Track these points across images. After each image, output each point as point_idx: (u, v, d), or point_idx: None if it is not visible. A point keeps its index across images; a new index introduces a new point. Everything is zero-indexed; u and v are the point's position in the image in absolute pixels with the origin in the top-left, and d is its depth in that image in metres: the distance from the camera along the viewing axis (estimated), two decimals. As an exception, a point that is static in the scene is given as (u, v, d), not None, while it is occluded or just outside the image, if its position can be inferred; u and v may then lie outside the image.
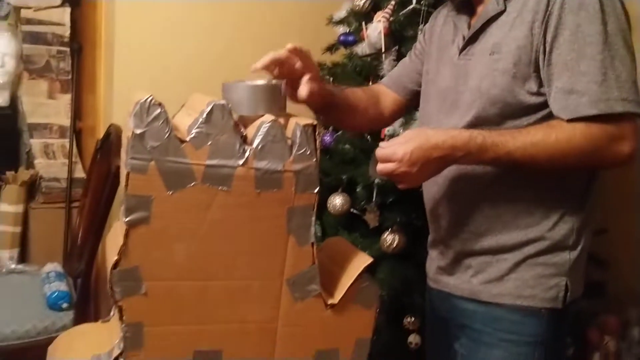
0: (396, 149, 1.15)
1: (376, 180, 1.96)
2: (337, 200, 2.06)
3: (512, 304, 1.25)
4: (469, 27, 1.29)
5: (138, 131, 0.99)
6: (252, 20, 2.52)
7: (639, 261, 2.42)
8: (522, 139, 1.13)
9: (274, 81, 1.17)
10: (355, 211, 2.07)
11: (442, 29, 1.39)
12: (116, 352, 1.07)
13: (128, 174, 1.00)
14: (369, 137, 2.09)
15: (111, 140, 2.00)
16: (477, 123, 1.22)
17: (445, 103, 1.32)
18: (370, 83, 2.01)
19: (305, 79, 1.27)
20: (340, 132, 2.15)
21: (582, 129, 1.11)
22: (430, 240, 1.46)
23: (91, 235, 1.98)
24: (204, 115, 1.02)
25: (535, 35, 1.15)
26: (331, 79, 2.20)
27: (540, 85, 1.17)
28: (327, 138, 2.16)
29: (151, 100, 1.00)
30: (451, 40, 1.33)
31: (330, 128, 2.19)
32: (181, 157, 1.02)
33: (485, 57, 1.22)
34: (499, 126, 1.20)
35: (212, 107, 1.03)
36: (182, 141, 1.02)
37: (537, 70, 1.16)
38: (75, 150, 2.78)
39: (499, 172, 1.21)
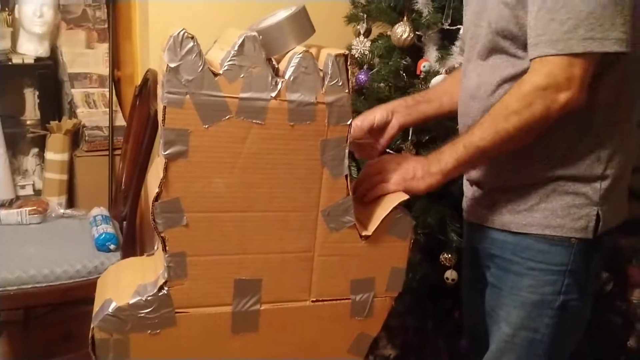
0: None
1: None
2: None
3: (540, 234, 1.25)
4: None
5: (172, 65, 1.01)
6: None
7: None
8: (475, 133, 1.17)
9: (293, 7, 1.15)
10: (390, 152, 2.07)
11: None
12: (161, 281, 1.11)
13: (165, 108, 1.02)
14: (404, 74, 2.06)
15: (149, 86, 2.03)
16: (494, 55, 1.23)
17: (470, 35, 1.32)
18: (405, 18, 1.98)
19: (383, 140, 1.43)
20: (375, 70, 2.13)
21: (523, 87, 1.12)
22: (464, 176, 1.46)
23: (134, 179, 2.03)
24: (236, 48, 1.03)
25: None
26: (365, 15, 2.17)
27: None
28: (362, 76, 2.14)
29: (184, 34, 1.01)
30: None
31: (365, 66, 2.17)
32: (215, 91, 1.03)
33: None
34: (518, 59, 1.19)
35: (244, 39, 1.03)
36: (216, 74, 1.03)
37: None
38: (115, 99, 2.83)
39: None
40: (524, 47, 1.17)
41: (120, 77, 2.89)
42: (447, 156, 1.20)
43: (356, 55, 2.22)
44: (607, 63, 1.14)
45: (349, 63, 1.11)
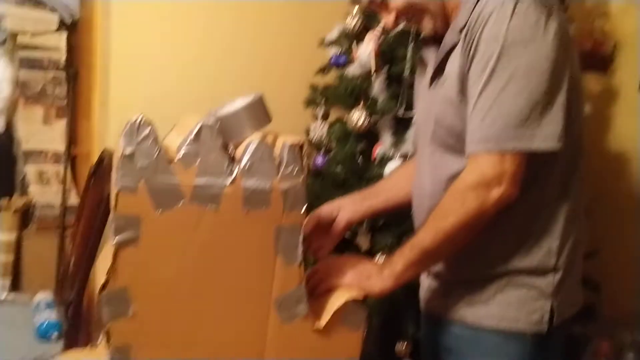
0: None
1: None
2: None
3: (495, 327, 1.24)
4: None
5: (128, 151, 1.00)
6: (245, 43, 2.55)
7: (632, 283, 2.42)
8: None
9: (251, 96, 1.18)
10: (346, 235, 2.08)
11: (422, 59, 1.41)
12: (103, 376, 1.06)
13: (117, 194, 1.01)
14: (360, 158, 2.11)
15: (104, 166, 2.00)
16: (443, 152, 1.26)
17: (421, 131, 1.36)
18: (361, 104, 2.03)
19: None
20: (331, 154, 2.17)
21: (457, 185, 1.16)
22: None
23: (83, 262, 1.97)
24: (193, 135, 1.04)
25: (463, 65, 1.17)
26: (324, 99, 2.23)
27: None
28: (319, 160, 2.18)
29: (141, 120, 1.01)
30: (425, 72, 1.35)
31: (322, 149, 2.21)
32: (170, 176, 1.03)
33: (443, 85, 1.24)
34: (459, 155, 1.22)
35: (201, 126, 1.04)
36: (172, 160, 1.03)
37: None
38: (69, 176, 2.79)
39: None
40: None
41: (76, 155, 2.86)
42: (397, 258, 1.20)
43: (313, 139, 2.26)
44: (546, 159, 1.17)
45: (304, 151, 1.12)
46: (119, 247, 1.02)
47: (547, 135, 1.12)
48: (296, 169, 1.11)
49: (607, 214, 2.45)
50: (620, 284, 2.42)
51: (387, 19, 1.27)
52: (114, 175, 1.06)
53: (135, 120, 1.00)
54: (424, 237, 1.18)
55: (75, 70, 2.65)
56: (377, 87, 2.00)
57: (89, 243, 1.98)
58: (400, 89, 1.99)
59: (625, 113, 2.43)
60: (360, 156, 2.10)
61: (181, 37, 2.42)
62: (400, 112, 1.99)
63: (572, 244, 1.26)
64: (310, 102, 2.28)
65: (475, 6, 1.16)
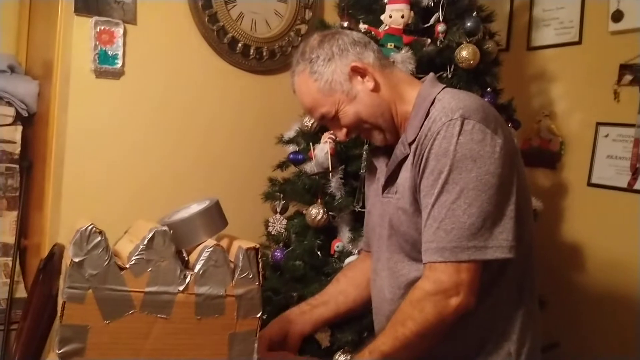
0: None
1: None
2: (287, 319, 2.02)
3: None
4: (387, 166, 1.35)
5: (77, 259, 0.98)
6: (203, 141, 2.58)
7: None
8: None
9: (207, 202, 1.18)
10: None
11: (372, 167, 1.45)
12: None
13: (64, 304, 0.98)
14: (319, 253, 2.10)
15: (54, 261, 1.95)
16: (400, 258, 1.29)
17: (377, 236, 1.38)
18: (319, 200, 2.05)
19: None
20: (290, 248, 2.15)
21: (416, 293, 1.18)
22: None
23: (28, 361, 1.87)
24: (145, 242, 1.02)
25: (414, 177, 1.22)
26: (282, 195, 2.24)
27: None
28: (278, 254, 2.16)
29: (92, 229, 0.99)
30: (377, 178, 1.40)
31: (281, 244, 2.20)
32: (120, 285, 1.01)
33: (395, 195, 1.29)
34: (420, 263, 1.24)
35: (154, 233, 1.03)
36: (122, 268, 1.01)
37: None
38: (18, 269, 2.68)
39: None
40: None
41: (26, 247, 2.77)
42: None
43: (272, 232, 2.25)
44: (500, 265, 1.21)
45: (259, 255, 1.12)
46: (63, 359, 0.98)
47: (499, 245, 1.16)
48: (251, 274, 1.10)
49: (565, 307, 2.48)
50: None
51: (339, 134, 1.33)
52: (61, 283, 1.03)
53: (86, 229, 0.99)
54: (384, 342, 1.19)
55: (29, 162, 2.61)
56: (334, 184, 2.02)
57: (34, 342, 1.89)
58: (357, 185, 2.02)
59: (576, 207, 2.51)
60: (319, 251, 2.09)
61: (138, 136, 2.43)
62: (357, 208, 2.01)
63: (531, 342, 1.28)
64: (269, 196, 2.29)
65: (424, 121, 1.22)
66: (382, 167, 1.37)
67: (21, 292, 2.66)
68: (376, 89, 1.28)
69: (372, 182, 1.45)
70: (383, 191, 1.34)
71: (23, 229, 2.75)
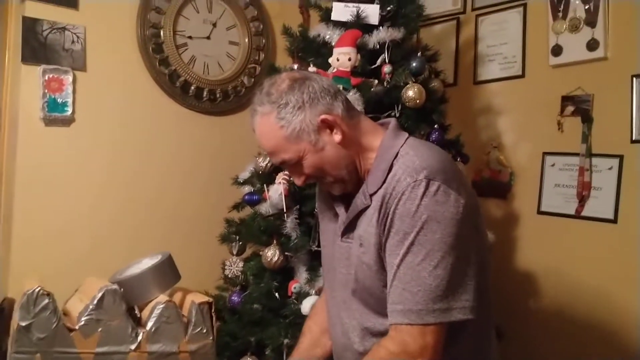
0: None
1: (285, 341, 1.95)
2: (247, 365, 2.01)
3: None
4: (346, 210, 1.33)
5: (24, 323, 0.97)
6: (159, 185, 2.56)
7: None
8: None
9: (159, 256, 1.17)
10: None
11: (327, 202, 1.42)
12: None
13: (10, 371, 0.95)
14: (277, 294, 2.09)
15: (5, 316, 1.89)
16: (366, 310, 1.29)
17: (335, 277, 1.37)
18: (275, 241, 2.05)
19: None
20: (248, 292, 2.14)
21: (380, 352, 1.18)
22: None
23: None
24: (95, 302, 1.01)
25: (380, 235, 1.22)
26: (237, 237, 2.23)
27: None
28: (235, 298, 2.15)
29: (39, 291, 0.98)
30: (335, 219, 1.38)
31: (238, 287, 2.18)
32: (69, 347, 0.99)
33: (357, 245, 1.28)
34: (380, 316, 1.25)
35: (104, 292, 1.02)
36: (71, 330, 1.00)
37: None
38: (-32, 323, 2.59)
39: None
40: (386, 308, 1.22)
41: (-24, 300, 2.68)
42: None
43: (229, 275, 2.24)
44: (460, 324, 1.20)
45: (212, 310, 1.11)
46: None
47: (462, 307, 1.17)
48: (205, 328, 1.10)
49: (522, 335, 2.52)
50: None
51: (296, 180, 1.32)
52: (9, 347, 1.01)
53: (33, 291, 0.97)
54: None
55: (-22, 213, 2.55)
56: (289, 224, 2.03)
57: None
58: (313, 224, 2.03)
59: (527, 235, 2.56)
60: (277, 292, 2.08)
61: (88, 185, 2.40)
62: (314, 247, 2.02)
63: None
64: (226, 238, 2.28)
65: (387, 176, 1.22)
66: (340, 209, 1.35)
67: (-29, 348, 2.55)
68: (343, 142, 1.25)
69: (326, 218, 1.43)
70: (342, 236, 1.33)
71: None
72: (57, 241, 2.31)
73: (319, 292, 1.96)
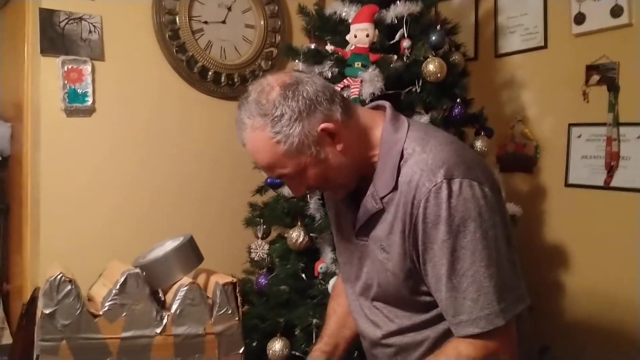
0: None
1: (314, 321, 1.94)
2: (276, 346, 2.02)
3: None
4: (357, 210, 1.25)
5: (47, 310, 0.97)
6: (183, 172, 2.57)
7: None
8: None
9: (180, 238, 1.17)
10: (297, 353, 2.03)
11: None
12: None
13: (37, 358, 0.96)
14: (303, 275, 2.09)
15: (37, 305, 1.92)
16: (387, 306, 1.26)
17: (351, 272, 1.33)
18: (299, 222, 2.05)
19: None
20: (274, 273, 2.14)
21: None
22: None
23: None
24: (118, 286, 1.01)
25: (408, 246, 1.15)
26: (262, 220, 2.23)
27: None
28: (262, 280, 2.15)
29: (61, 278, 0.98)
30: (345, 216, 1.31)
31: (264, 270, 2.19)
32: (95, 333, 0.99)
33: (377, 248, 1.22)
34: (415, 313, 1.22)
35: (126, 277, 1.02)
36: (96, 315, 1.00)
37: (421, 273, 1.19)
38: (2, 315, 2.64)
39: (427, 347, 1.22)
40: (418, 308, 1.20)
41: (9, 291, 2.73)
42: None
43: (255, 258, 2.24)
44: None
45: (237, 290, 1.11)
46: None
47: (521, 296, 1.14)
48: (230, 309, 1.09)
49: (552, 309, 2.48)
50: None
51: (295, 191, 1.23)
52: (35, 335, 1.02)
53: (55, 278, 0.97)
54: None
55: (6, 205, 2.59)
56: (313, 205, 2.02)
57: (22, 389, 1.86)
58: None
59: (554, 208, 2.52)
60: (303, 274, 2.08)
61: (111, 173, 2.41)
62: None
63: (531, 354, 1.32)
64: (250, 222, 2.28)
65: (397, 179, 1.15)
66: (347, 208, 1.29)
67: (7, 339, 2.62)
68: (345, 149, 1.16)
69: (335, 211, 1.37)
70: (357, 234, 1.27)
71: (4, 273, 2.72)
72: (83, 228, 2.33)
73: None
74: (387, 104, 1.26)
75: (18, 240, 2.53)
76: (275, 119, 1.11)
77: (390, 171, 1.16)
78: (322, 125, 1.13)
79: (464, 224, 1.09)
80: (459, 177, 1.10)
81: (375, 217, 1.20)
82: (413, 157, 1.15)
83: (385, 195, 1.17)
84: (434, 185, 1.09)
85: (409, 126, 1.20)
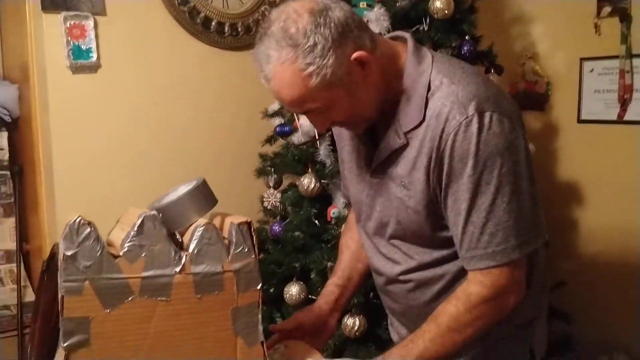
0: None
1: (329, 264, 1.97)
2: (293, 290, 2.05)
3: None
4: (375, 148, 1.22)
5: (69, 253, 0.99)
6: (188, 123, 2.56)
7: (601, 309, 2.44)
8: (420, 342, 1.14)
9: (194, 182, 1.17)
10: (313, 297, 2.06)
11: (350, 132, 1.30)
12: None
13: (62, 298, 0.98)
14: (317, 221, 2.11)
15: (56, 261, 1.95)
16: (405, 244, 1.25)
17: (365, 213, 1.30)
18: (310, 169, 2.05)
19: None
20: (288, 220, 2.16)
21: (473, 300, 1.13)
22: (390, 322, 1.46)
23: (43, 362, 1.89)
24: (136, 228, 1.02)
25: (432, 181, 1.13)
26: (273, 169, 2.24)
27: None
28: (276, 227, 2.18)
29: (80, 221, 0.99)
30: (358, 151, 1.28)
31: (278, 218, 2.20)
32: (116, 273, 1.01)
33: (396, 185, 1.19)
34: (433, 249, 1.22)
35: (143, 219, 1.03)
36: (116, 256, 1.01)
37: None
38: (24, 273, 2.70)
39: (447, 280, 1.23)
40: (439, 244, 1.20)
41: (29, 251, 2.78)
42: None
43: (268, 207, 2.26)
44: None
45: (252, 229, 1.12)
46: (69, 352, 0.99)
47: (539, 233, 1.15)
48: (246, 248, 1.10)
49: (567, 245, 2.49)
50: (588, 313, 2.44)
51: (319, 127, 1.20)
52: (59, 279, 1.04)
53: (75, 221, 0.98)
54: (436, 349, 1.14)
55: (19, 167, 2.60)
56: (323, 152, 2.02)
57: (46, 341, 1.91)
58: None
59: (568, 145, 2.51)
60: (316, 219, 2.10)
61: (120, 127, 2.40)
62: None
63: (544, 289, 1.32)
64: (261, 172, 2.29)
65: (425, 113, 1.12)
66: (363, 143, 1.25)
67: (30, 296, 2.67)
68: (374, 80, 1.12)
69: (347, 149, 1.33)
70: (372, 172, 1.24)
71: (23, 233, 2.75)
72: (97, 183, 2.34)
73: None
74: (407, 34, 1.21)
75: (34, 201, 2.56)
76: (307, 50, 1.03)
77: (417, 104, 1.13)
78: (355, 54, 1.07)
79: (491, 159, 1.08)
80: (489, 110, 1.08)
81: (396, 153, 1.17)
82: (441, 89, 1.11)
83: (410, 130, 1.14)
84: (465, 119, 1.07)
85: (433, 57, 1.16)
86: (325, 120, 1.16)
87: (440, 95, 1.11)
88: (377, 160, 1.21)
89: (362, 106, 1.14)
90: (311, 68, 1.04)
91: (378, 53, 1.12)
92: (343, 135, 1.34)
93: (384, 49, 1.15)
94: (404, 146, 1.16)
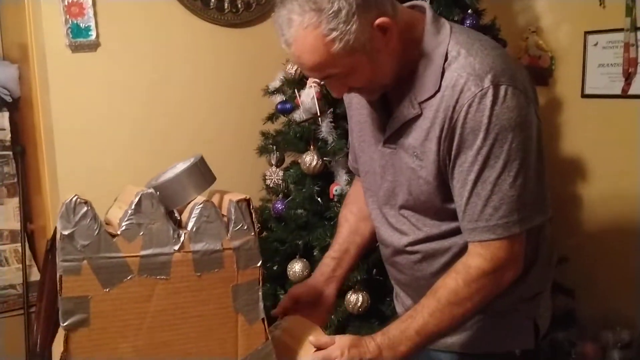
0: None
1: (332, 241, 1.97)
2: (296, 267, 2.05)
3: (484, 352, 1.26)
4: (387, 118, 1.22)
5: (66, 232, 0.98)
6: (193, 105, 2.55)
7: (604, 284, 2.45)
8: (424, 314, 1.14)
9: (191, 159, 1.16)
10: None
11: (360, 101, 1.30)
12: None
13: (61, 277, 0.98)
14: (319, 199, 2.10)
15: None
16: (415, 215, 1.25)
17: (375, 183, 1.30)
18: (312, 146, 2.04)
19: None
20: (290, 198, 2.16)
21: (473, 273, 1.13)
22: (395, 294, 1.46)
23: (49, 341, 1.91)
24: (133, 206, 1.02)
25: (442, 150, 1.14)
26: (274, 147, 2.23)
27: None
28: (279, 205, 2.17)
29: (76, 200, 0.99)
30: (369, 120, 1.28)
31: (280, 195, 2.20)
32: (114, 252, 1.00)
33: (409, 155, 1.19)
34: (442, 222, 1.22)
35: (140, 197, 1.02)
36: (114, 235, 1.01)
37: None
38: (28, 253, 2.71)
39: (454, 252, 1.23)
40: (447, 216, 1.20)
41: (33, 230, 2.79)
42: (403, 347, 1.14)
43: (271, 185, 2.26)
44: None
45: (251, 206, 1.11)
46: (69, 331, 0.99)
47: (542, 209, 1.15)
48: (246, 225, 1.10)
49: (570, 221, 2.48)
50: (591, 288, 2.44)
51: (336, 92, 1.18)
52: (57, 258, 1.04)
53: (71, 200, 0.98)
54: (436, 323, 1.14)
55: (21, 147, 2.61)
56: (325, 129, 2.01)
57: (52, 321, 1.92)
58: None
59: (572, 120, 2.49)
60: (319, 197, 2.10)
61: (120, 105, 2.39)
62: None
63: (550, 264, 1.31)
64: (263, 150, 2.28)
65: (441, 83, 1.11)
66: (381, 115, 1.24)
67: (35, 276, 2.70)
68: (395, 47, 1.11)
69: (357, 117, 1.33)
70: (385, 142, 1.23)
71: (27, 213, 2.77)
72: (99, 162, 2.34)
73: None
74: (425, 4, 1.20)
75: (36, 181, 2.57)
76: (332, 15, 1.02)
77: (434, 74, 1.12)
78: (378, 21, 1.06)
79: (502, 132, 1.07)
80: (505, 84, 1.07)
81: (409, 123, 1.17)
82: (458, 60, 1.10)
83: (425, 100, 1.13)
84: (480, 91, 1.07)
85: (451, 28, 1.15)
86: (343, 86, 1.16)
87: (456, 66, 1.10)
88: (390, 130, 1.21)
89: (381, 73, 1.14)
90: (335, 34, 1.04)
91: (398, 20, 1.11)
92: (353, 104, 1.34)
93: (403, 17, 1.14)
94: (418, 116, 1.16)
